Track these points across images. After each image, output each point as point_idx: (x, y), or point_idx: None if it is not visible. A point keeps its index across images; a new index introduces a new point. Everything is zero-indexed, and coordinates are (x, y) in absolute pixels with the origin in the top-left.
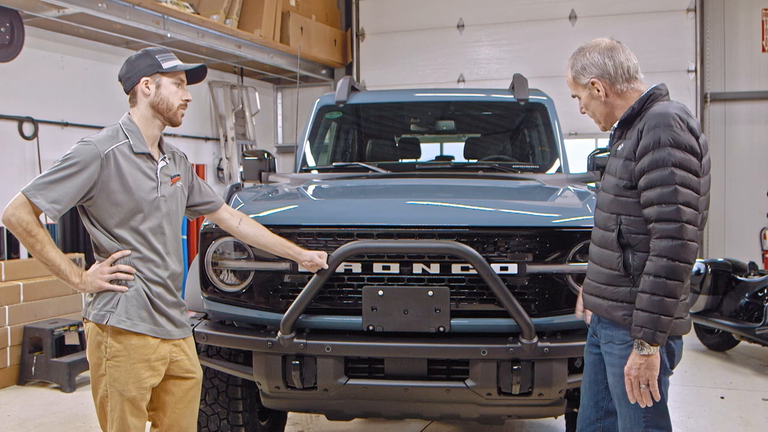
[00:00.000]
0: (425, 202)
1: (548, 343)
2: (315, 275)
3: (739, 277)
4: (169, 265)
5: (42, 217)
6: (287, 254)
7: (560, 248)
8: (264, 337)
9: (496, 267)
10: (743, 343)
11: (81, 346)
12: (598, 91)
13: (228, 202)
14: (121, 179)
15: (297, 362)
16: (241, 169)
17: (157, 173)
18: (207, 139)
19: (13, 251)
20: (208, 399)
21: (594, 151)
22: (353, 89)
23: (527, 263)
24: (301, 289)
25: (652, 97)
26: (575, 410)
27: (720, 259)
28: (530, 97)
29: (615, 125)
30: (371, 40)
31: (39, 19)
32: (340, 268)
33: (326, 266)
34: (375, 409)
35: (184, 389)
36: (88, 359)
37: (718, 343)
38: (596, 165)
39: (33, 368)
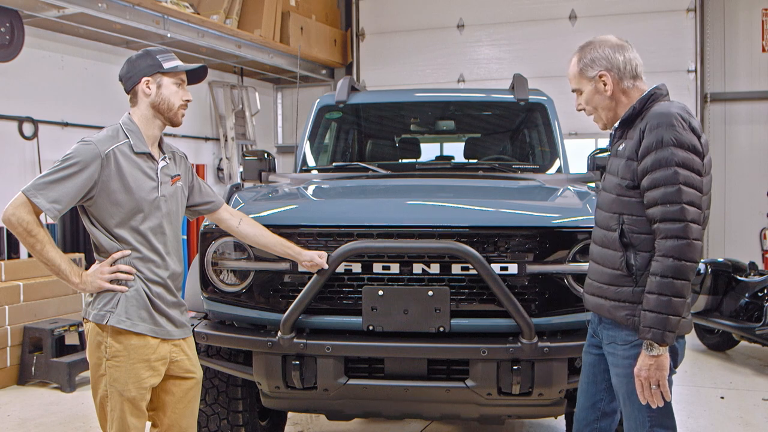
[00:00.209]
0: (425, 202)
1: (548, 343)
2: (315, 275)
3: (739, 277)
4: (169, 265)
5: (42, 217)
6: (287, 254)
7: (560, 248)
8: (264, 337)
9: (496, 267)
10: (743, 343)
11: (81, 346)
12: (605, 85)
13: (228, 202)
14: (122, 179)
15: (297, 362)
16: (241, 169)
17: (157, 173)
18: (207, 139)
19: (13, 251)
20: (208, 399)
21: (594, 151)
22: (353, 89)
23: (527, 263)
24: (301, 289)
25: (653, 97)
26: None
27: (720, 259)
28: (530, 97)
29: (615, 125)
30: (371, 40)
31: (39, 19)
32: (340, 268)
33: (326, 266)
34: (375, 409)
35: (184, 389)
36: (88, 359)
37: (718, 343)
38: (596, 165)
39: (33, 368)
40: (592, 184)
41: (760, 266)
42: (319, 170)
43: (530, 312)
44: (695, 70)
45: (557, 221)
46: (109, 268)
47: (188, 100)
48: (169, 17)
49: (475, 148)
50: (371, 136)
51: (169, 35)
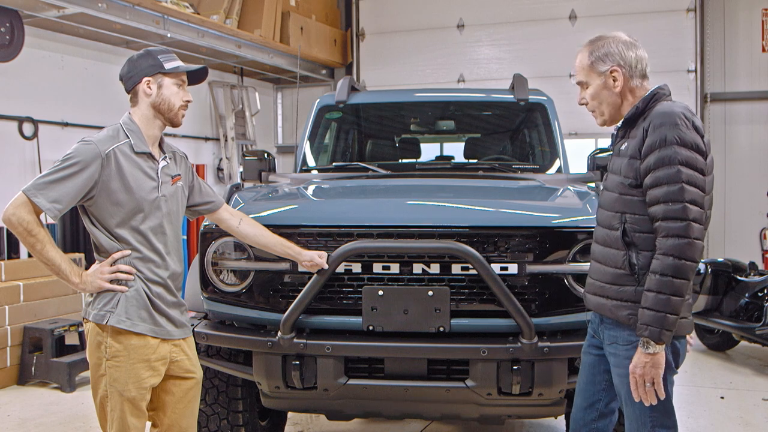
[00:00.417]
0: (425, 202)
1: (548, 343)
2: (315, 275)
3: (739, 277)
4: (169, 265)
5: (42, 216)
6: (287, 254)
7: (560, 248)
8: (264, 337)
9: (496, 267)
10: (743, 343)
11: (81, 346)
12: (614, 80)
13: (228, 202)
14: (122, 179)
15: (297, 362)
16: (241, 169)
17: (157, 173)
18: (207, 139)
19: (13, 251)
20: (208, 399)
21: (594, 151)
22: (353, 89)
23: (527, 263)
24: (301, 289)
25: (656, 97)
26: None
27: (720, 259)
28: (530, 97)
29: (618, 124)
30: (371, 40)
31: (39, 19)
32: (340, 268)
33: (326, 266)
34: (375, 409)
35: (184, 389)
36: (88, 359)
37: (718, 343)
38: (596, 165)
39: (33, 368)
40: (592, 184)
41: (760, 266)
42: (319, 170)
43: (530, 312)
44: (695, 70)
45: (557, 221)
46: (109, 268)
47: (189, 101)
48: (169, 17)
49: (475, 148)
50: (371, 136)
51: (169, 35)
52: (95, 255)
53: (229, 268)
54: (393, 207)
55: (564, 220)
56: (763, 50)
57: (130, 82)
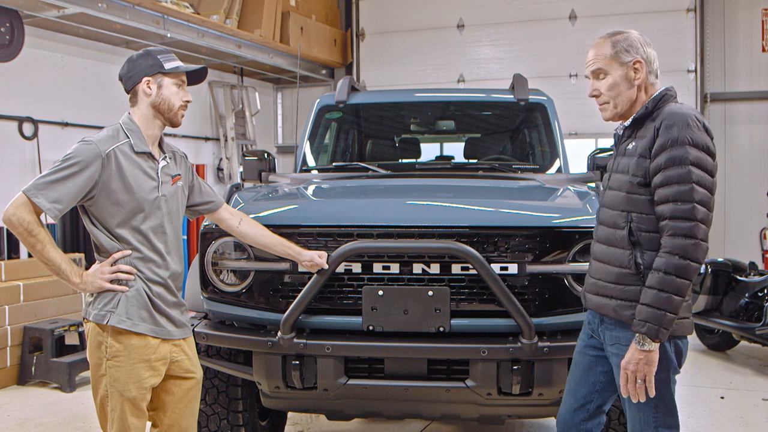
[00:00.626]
0: (425, 202)
1: (548, 343)
2: (315, 275)
3: (739, 277)
4: (169, 265)
5: (42, 216)
6: (287, 254)
7: (560, 248)
8: (264, 337)
9: (496, 267)
10: (743, 343)
11: (81, 346)
12: (636, 72)
13: (228, 202)
14: (122, 179)
15: (297, 362)
16: (241, 169)
17: (158, 173)
18: (207, 139)
19: (13, 251)
20: (208, 399)
21: (594, 151)
22: (353, 89)
23: (527, 263)
24: (301, 289)
25: (664, 98)
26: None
27: (720, 259)
28: (530, 97)
29: (624, 124)
30: (371, 40)
31: (39, 19)
32: (340, 268)
33: (326, 266)
34: (375, 409)
35: (184, 389)
36: (88, 359)
37: (718, 343)
38: (596, 165)
39: (33, 368)
40: (592, 184)
41: (760, 266)
42: (319, 170)
43: (530, 312)
44: (695, 70)
45: (557, 221)
46: (109, 268)
47: (188, 101)
48: (169, 17)
49: (475, 148)
50: (371, 136)
51: (169, 35)
52: (95, 255)
53: (229, 268)
54: (393, 207)
55: (564, 220)
56: (763, 50)
57: (130, 82)
